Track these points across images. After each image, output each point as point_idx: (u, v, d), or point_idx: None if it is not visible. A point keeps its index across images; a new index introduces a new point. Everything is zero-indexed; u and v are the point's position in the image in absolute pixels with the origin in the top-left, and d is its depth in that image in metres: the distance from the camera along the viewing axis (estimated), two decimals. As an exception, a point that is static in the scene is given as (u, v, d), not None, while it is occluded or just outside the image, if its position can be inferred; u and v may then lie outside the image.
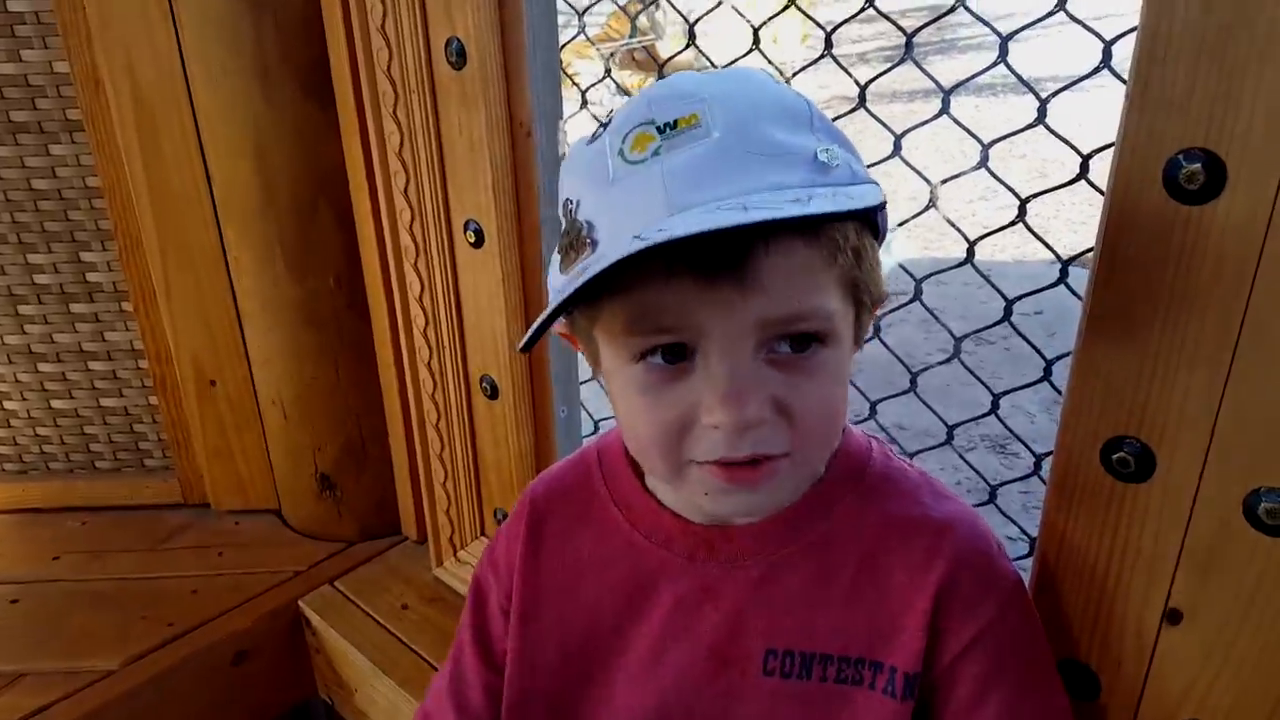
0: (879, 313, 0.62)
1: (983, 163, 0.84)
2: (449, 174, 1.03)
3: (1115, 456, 0.63)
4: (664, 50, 5.81)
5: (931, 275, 0.91)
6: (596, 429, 1.30)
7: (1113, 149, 0.59)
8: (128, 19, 1.15)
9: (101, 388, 1.47)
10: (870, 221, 0.57)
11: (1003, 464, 2.08)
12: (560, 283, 0.54)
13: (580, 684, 0.69)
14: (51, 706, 1.16)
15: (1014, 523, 1.00)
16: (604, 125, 0.55)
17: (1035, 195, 0.84)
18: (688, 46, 1.02)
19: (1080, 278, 0.77)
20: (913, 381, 0.97)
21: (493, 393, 1.14)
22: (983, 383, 0.93)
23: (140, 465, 1.53)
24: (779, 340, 0.53)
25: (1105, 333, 0.61)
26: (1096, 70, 0.75)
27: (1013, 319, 0.86)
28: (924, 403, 1.00)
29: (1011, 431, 1.03)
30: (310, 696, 1.38)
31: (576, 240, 0.53)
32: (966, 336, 0.92)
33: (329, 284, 1.26)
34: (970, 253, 0.88)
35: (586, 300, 0.53)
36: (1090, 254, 0.63)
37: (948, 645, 0.61)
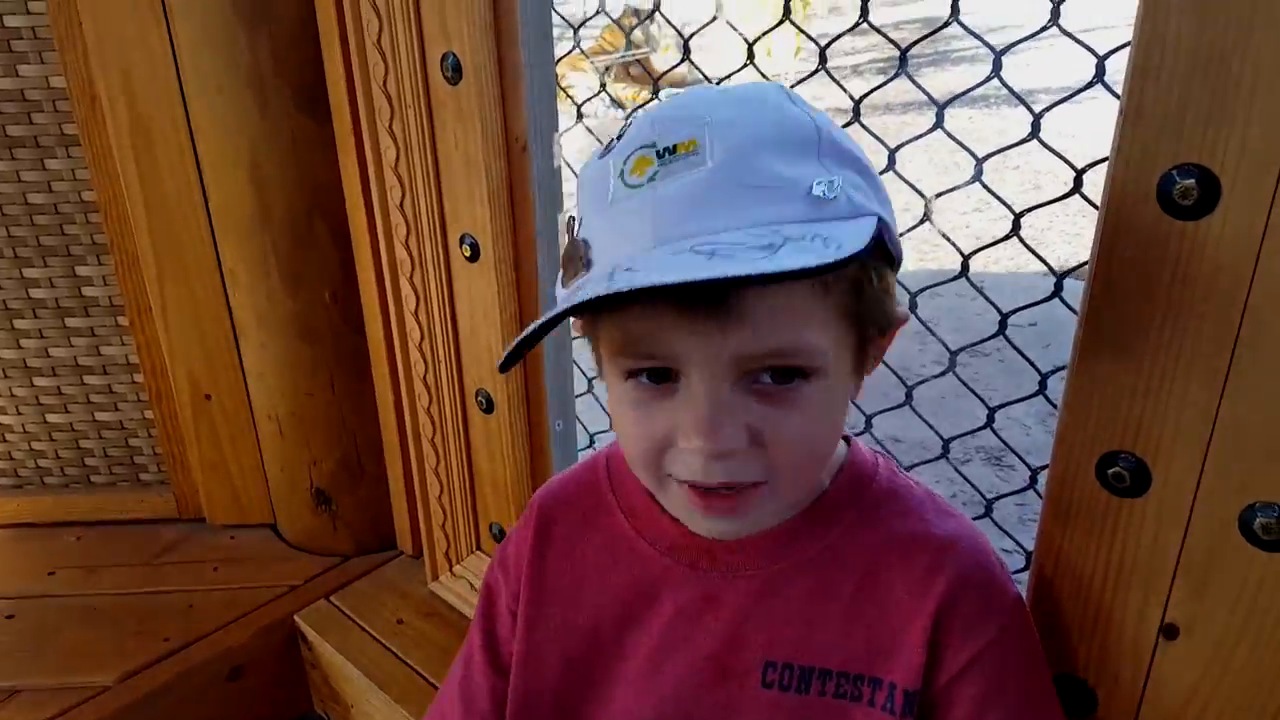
0: (896, 334, 0.62)
1: (976, 177, 0.84)
2: (444, 188, 1.04)
3: (1110, 471, 0.63)
4: (658, 62, 5.84)
5: (926, 289, 0.91)
6: (592, 443, 1.30)
7: (1106, 164, 0.60)
8: (124, 35, 1.16)
9: (97, 402, 1.46)
10: (884, 247, 0.54)
11: (998, 476, 2.07)
12: (561, 295, 0.55)
13: (583, 687, 0.69)
14: (46, 722, 1.15)
15: (1010, 536, 1.00)
16: (618, 138, 0.56)
17: (1029, 210, 0.85)
18: (682, 62, 1.03)
19: (1075, 289, 0.77)
20: (908, 395, 0.97)
21: (488, 407, 1.14)
22: (978, 396, 0.93)
23: (135, 479, 1.53)
24: (761, 372, 0.53)
25: (1100, 348, 0.62)
26: (1089, 85, 0.75)
27: (1007, 331, 0.86)
28: (919, 416, 1.00)
29: (1007, 445, 1.03)
30: (306, 712, 1.37)
31: (574, 257, 0.54)
32: (961, 350, 0.92)
33: (324, 298, 1.26)
34: (965, 266, 0.88)
35: (581, 315, 0.56)
36: (1084, 267, 0.63)
37: (946, 664, 0.61)
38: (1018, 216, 0.84)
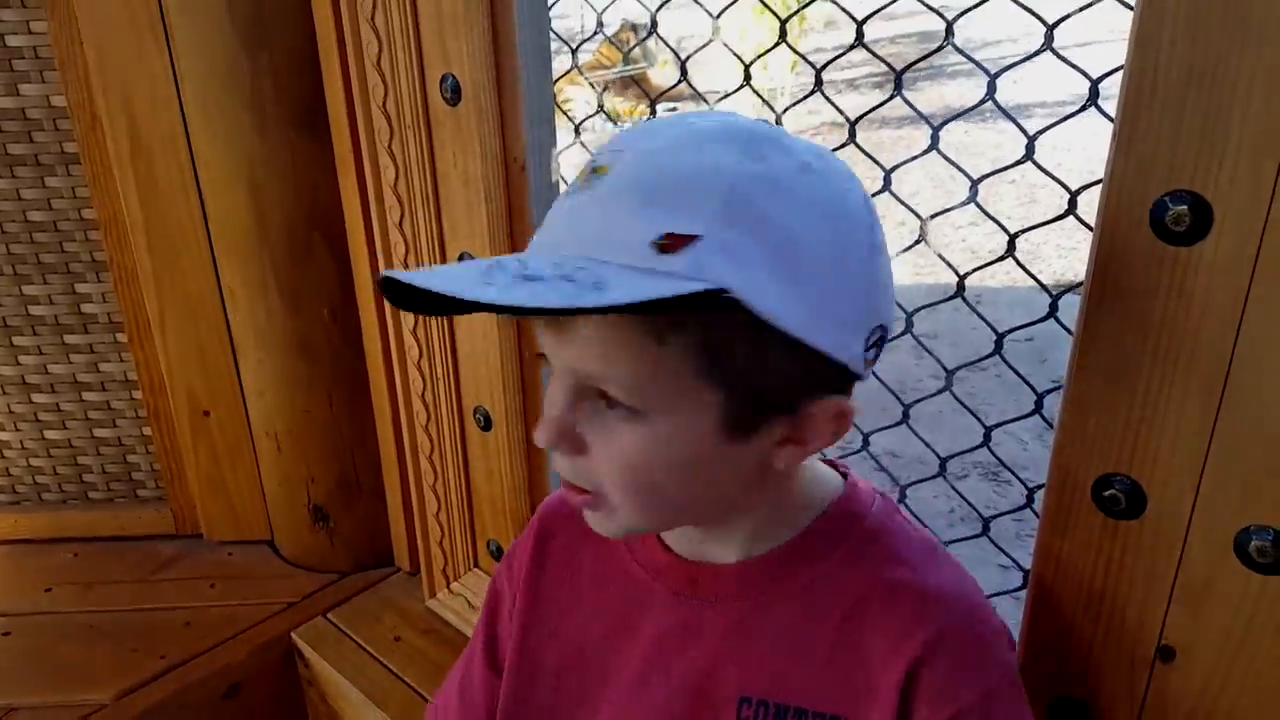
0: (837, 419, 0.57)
1: (972, 198, 0.84)
2: (443, 208, 1.04)
3: (1106, 494, 0.64)
4: (655, 77, 5.86)
5: (922, 308, 0.91)
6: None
7: (1100, 185, 0.60)
8: (125, 54, 1.16)
9: (95, 418, 1.46)
10: (787, 338, 0.51)
11: (995, 491, 2.08)
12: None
13: (572, 701, 0.69)
14: (43, 741, 1.15)
15: (1005, 553, 1.01)
16: None
17: (1024, 230, 0.85)
18: (679, 82, 1.03)
19: (1070, 304, 0.78)
20: (905, 414, 0.97)
21: (486, 424, 1.14)
22: (975, 415, 0.94)
23: (133, 496, 1.53)
24: (595, 389, 0.54)
25: (1095, 372, 0.62)
26: (1082, 109, 0.76)
27: (1003, 346, 0.87)
28: (916, 435, 1.01)
29: (1003, 463, 1.03)
30: (303, 730, 1.37)
31: None
32: (958, 369, 0.93)
33: (323, 316, 1.27)
34: (960, 286, 0.89)
35: None
36: (1079, 286, 0.64)
37: None
38: (1013, 237, 0.84)
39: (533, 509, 1.21)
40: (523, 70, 0.95)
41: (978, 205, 0.85)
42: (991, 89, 0.80)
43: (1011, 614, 0.99)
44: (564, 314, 0.50)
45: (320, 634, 1.33)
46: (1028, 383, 0.88)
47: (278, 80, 1.13)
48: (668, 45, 1.05)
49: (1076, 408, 0.64)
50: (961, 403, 0.96)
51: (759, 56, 0.95)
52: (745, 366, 0.52)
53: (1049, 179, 0.83)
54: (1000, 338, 0.87)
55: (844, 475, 0.67)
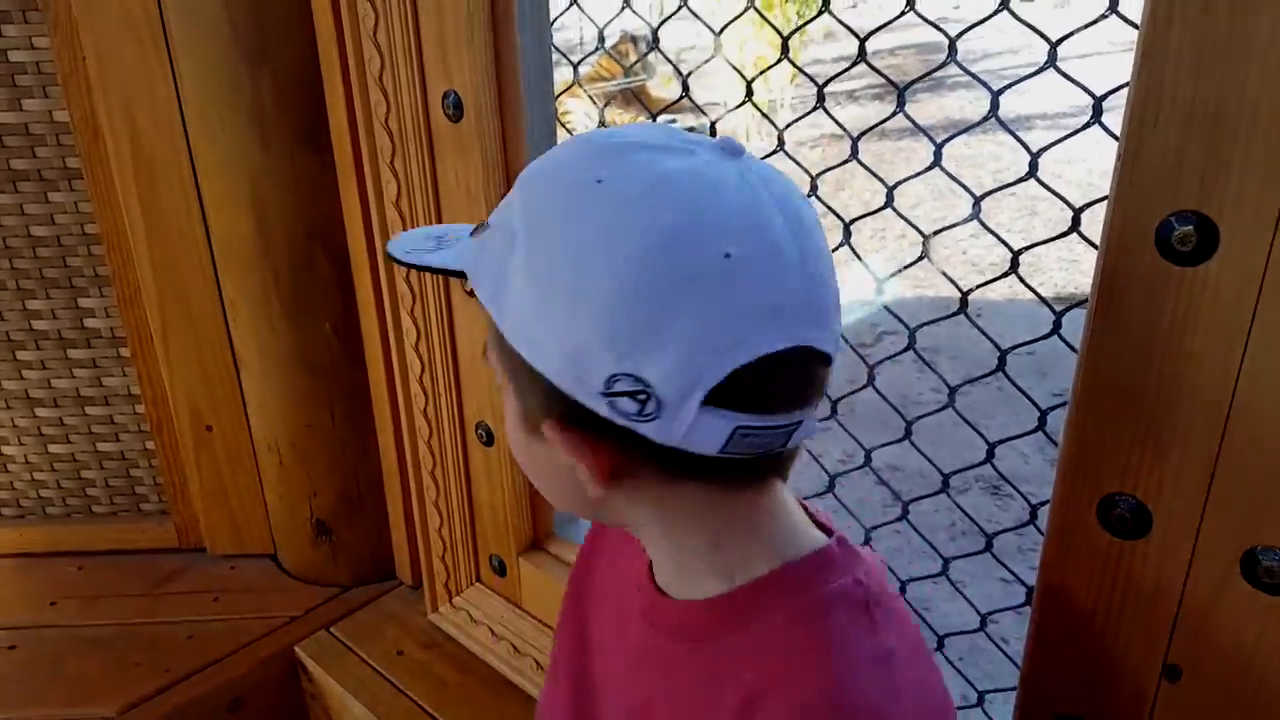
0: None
1: (975, 215, 0.84)
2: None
3: (1111, 513, 0.63)
4: (654, 89, 5.86)
5: (924, 325, 0.91)
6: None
7: (1104, 203, 0.60)
8: (127, 69, 1.17)
9: (98, 432, 1.47)
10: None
11: (996, 505, 2.07)
12: None
13: (585, 708, 0.70)
14: (47, 756, 1.15)
15: (1006, 567, 1.00)
16: None
17: (1027, 248, 0.85)
18: (681, 98, 1.03)
19: (1074, 319, 0.78)
20: (908, 430, 0.97)
21: (488, 439, 1.14)
22: (977, 431, 0.93)
23: (136, 509, 1.53)
24: None
25: (1099, 391, 0.62)
26: (1086, 126, 0.76)
27: (1003, 352, 0.86)
28: (919, 451, 1.00)
29: (1005, 479, 1.02)
30: (306, 744, 1.37)
31: None
32: (960, 386, 0.93)
33: (325, 331, 1.27)
34: (964, 303, 0.89)
35: None
36: (1084, 302, 0.64)
37: None
38: (1016, 254, 0.84)
39: (535, 524, 1.21)
40: (524, 86, 0.95)
41: (980, 222, 0.85)
42: (995, 106, 0.79)
43: (1014, 629, 0.99)
44: (401, 265, 0.59)
45: (323, 648, 1.33)
46: (1030, 399, 0.87)
47: (280, 95, 1.14)
48: (669, 61, 1.05)
49: (1081, 426, 0.63)
50: (964, 419, 0.96)
51: (761, 73, 0.95)
52: (513, 361, 0.52)
53: (1048, 178, 0.83)
54: (1003, 354, 0.87)
55: (834, 541, 0.57)
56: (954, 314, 0.89)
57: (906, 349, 0.94)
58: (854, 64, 0.88)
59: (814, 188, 0.90)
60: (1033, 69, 0.80)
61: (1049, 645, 0.70)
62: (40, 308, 1.37)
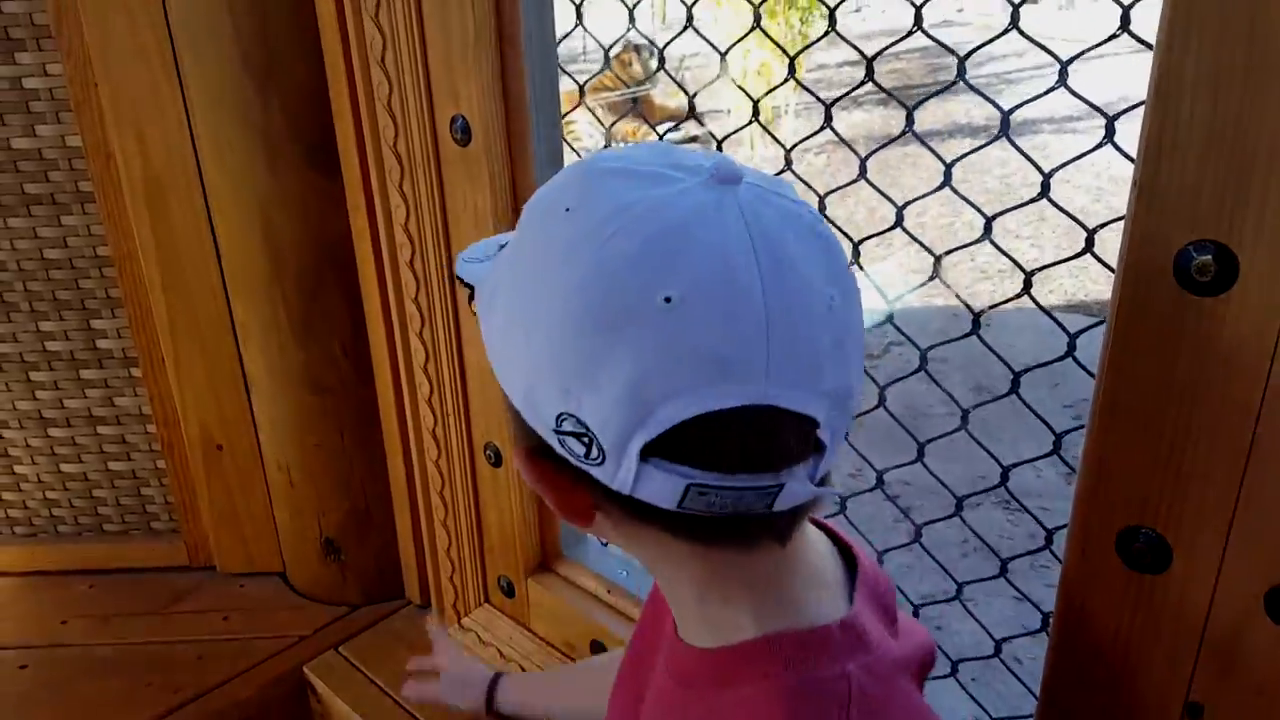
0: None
1: (986, 236, 0.83)
2: (454, 247, 1.04)
3: (1131, 546, 0.62)
4: (657, 97, 5.85)
5: (934, 347, 0.90)
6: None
7: (1119, 222, 0.59)
8: (139, 95, 1.17)
9: (110, 452, 1.47)
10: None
11: (1009, 520, 2.04)
12: None
13: None
14: (58, 779, 1.15)
15: (1021, 592, 0.98)
16: None
17: (1039, 269, 0.84)
18: (688, 118, 1.02)
19: (1080, 327, 0.76)
20: (920, 451, 0.96)
21: (496, 460, 1.13)
22: (990, 454, 0.92)
23: (147, 528, 1.53)
24: None
25: (1117, 421, 0.61)
26: (1099, 146, 0.75)
27: (1017, 375, 0.85)
28: (930, 472, 0.99)
29: (1018, 501, 1.01)
30: (315, 766, 1.36)
31: None
32: (974, 408, 0.91)
33: (335, 351, 1.26)
34: (976, 324, 0.88)
35: None
36: (1099, 323, 0.62)
37: None
38: (1029, 275, 0.83)
39: (543, 546, 1.20)
40: (531, 109, 0.95)
41: (993, 243, 0.83)
42: (1005, 126, 0.78)
43: (1026, 649, 0.98)
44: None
45: (332, 668, 1.32)
46: (1047, 424, 0.86)
47: (289, 119, 1.14)
48: (674, 80, 1.05)
49: (1099, 458, 0.62)
50: (977, 441, 0.95)
51: (767, 93, 0.94)
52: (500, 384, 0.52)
53: (1057, 196, 0.82)
54: (1017, 377, 0.86)
55: (837, 622, 0.52)
56: (966, 335, 0.88)
57: (917, 370, 0.93)
58: (860, 84, 0.87)
59: (822, 206, 0.89)
60: (1038, 69, 0.80)
61: (1067, 680, 0.68)
62: (53, 329, 1.38)
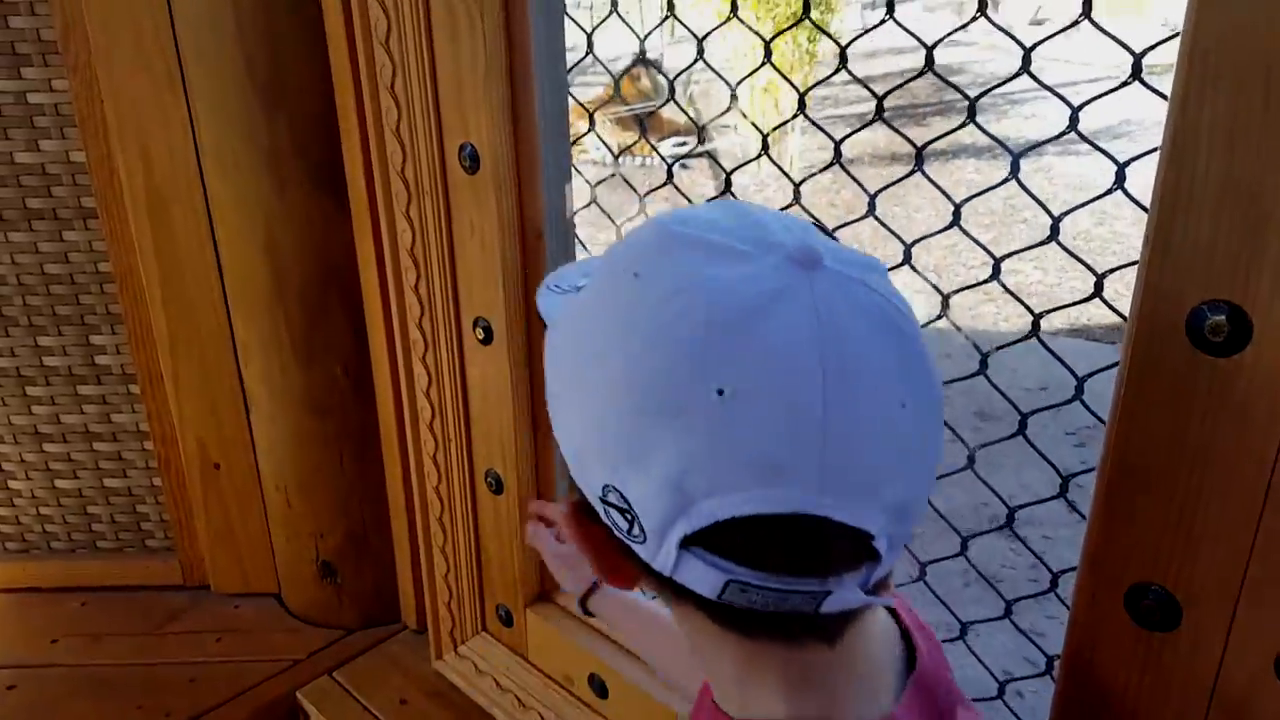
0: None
1: (995, 275, 0.83)
2: (459, 272, 1.03)
3: (1141, 603, 0.61)
4: (665, 112, 5.86)
5: (950, 383, 0.89)
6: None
7: (1130, 267, 0.58)
8: (144, 112, 1.17)
9: (106, 468, 1.46)
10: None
11: (1011, 549, 2.03)
12: None
13: None
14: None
15: (1027, 636, 0.98)
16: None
17: (1051, 311, 0.83)
18: (699, 146, 1.02)
19: (1089, 349, 0.76)
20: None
21: (498, 488, 1.13)
22: (994, 492, 0.92)
23: (142, 546, 1.52)
24: None
25: (1127, 478, 0.60)
26: (1108, 193, 0.74)
27: (1021, 395, 0.85)
28: (934, 509, 0.98)
29: (1024, 542, 1.00)
30: (306, 792, 1.35)
31: None
32: (979, 449, 0.91)
33: (336, 373, 1.26)
34: (983, 364, 0.87)
35: None
36: (1109, 367, 0.62)
37: None
38: (1037, 318, 0.82)
39: (543, 576, 1.19)
40: (541, 140, 0.94)
41: (1002, 284, 0.83)
42: (1015, 169, 0.78)
43: (1029, 682, 0.97)
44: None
45: (325, 694, 1.31)
46: (1054, 465, 0.86)
47: (296, 141, 1.13)
48: (680, 108, 1.04)
49: (1108, 514, 0.61)
50: (984, 482, 0.94)
51: (777, 127, 0.94)
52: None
53: (1062, 210, 0.81)
54: (1024, 418, 0.85)
55: (887, 712, 0.51)
56: (974, 374, 0.88)
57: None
58: (869, 123, 0.87)
59: (830, 234, 0.89)
60: (1043, 90, 0.78)
61: (1073, 734, 0.67)
62: (51, 344, 1.37)
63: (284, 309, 1.23)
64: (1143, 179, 0.64)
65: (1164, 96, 0.56)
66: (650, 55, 5.69)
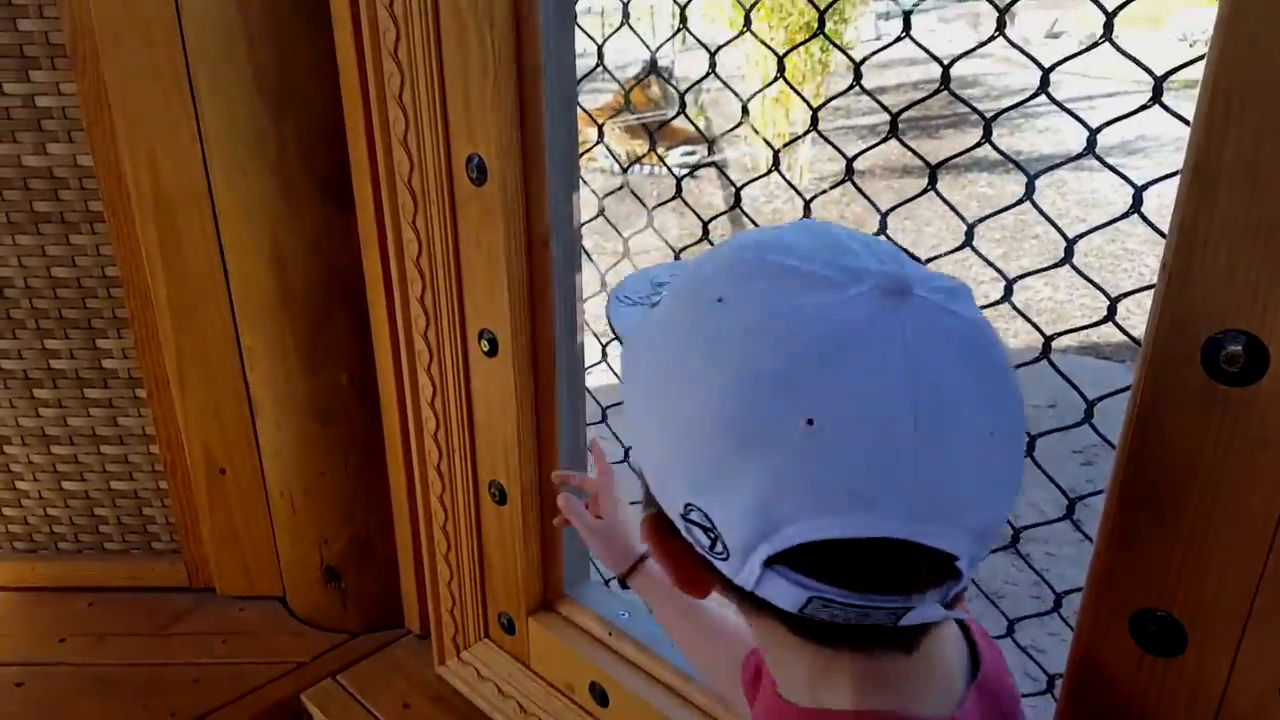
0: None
1: (1006, 297, 0.82)
2: (465, 284, 1.03)
3: (1146, 629, 0.61)
4: (678, 121, 5.84)
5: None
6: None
7: (1143, 292, 0.58)
8: (152, 117, 1.17)
9: (112, 471, 1.46)
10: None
11: (1013, 565, 2.02)
12: None
13: None
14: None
15: (1033, 658, 0.97)
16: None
17: (1060, 334, 0.83)
18: (710, 158, 1.02)
19: (1095, 365, 0.75)
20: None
21: (501, 498, 1.12)
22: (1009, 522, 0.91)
23: (148, 548, 1.52)
24: None
25: (1137, 505, 0.59)
26: (1125, 216, 0.74)
27: (1030, 412, 0.84)
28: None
29: (1029, 564, 1.00)
30: (310, 796, 1.35)
31: None
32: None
33: (341, 381, 1.26)
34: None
35: None
36: (1121, 389, 0.61)
37: None
38: (1048, 340, 0.82)
39: (545, 585, 1.19)
40: (549, 153, 0.94)
41: (1013, 305, 0.83)
42: (1030, 190, 0.78)
43: (1030, 701, 0.96)
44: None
45: (329, 697, 1.31)
46: (1062, 489, 0.85)
47: (303, 148, 1.13)
48: (690, 120, 1.04)
49: (1117, 539, 0.61)
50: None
51: (788, 144, 0.93)
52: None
53: (1072, 226, 0.81)
54: (1033, 439, 0.85)
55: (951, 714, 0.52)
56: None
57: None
58: (884, 139, 0.86)
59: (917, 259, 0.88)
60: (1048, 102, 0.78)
61: (1077, 760, 0.67)
62: (58, 347, 1.38)
63: (289, 316, 1.22)
64: (1158, 199, 0.64)
65: (1185, 120, 0.55)
66: (660, 62, 5.68)
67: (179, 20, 1.11)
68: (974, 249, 0.83)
